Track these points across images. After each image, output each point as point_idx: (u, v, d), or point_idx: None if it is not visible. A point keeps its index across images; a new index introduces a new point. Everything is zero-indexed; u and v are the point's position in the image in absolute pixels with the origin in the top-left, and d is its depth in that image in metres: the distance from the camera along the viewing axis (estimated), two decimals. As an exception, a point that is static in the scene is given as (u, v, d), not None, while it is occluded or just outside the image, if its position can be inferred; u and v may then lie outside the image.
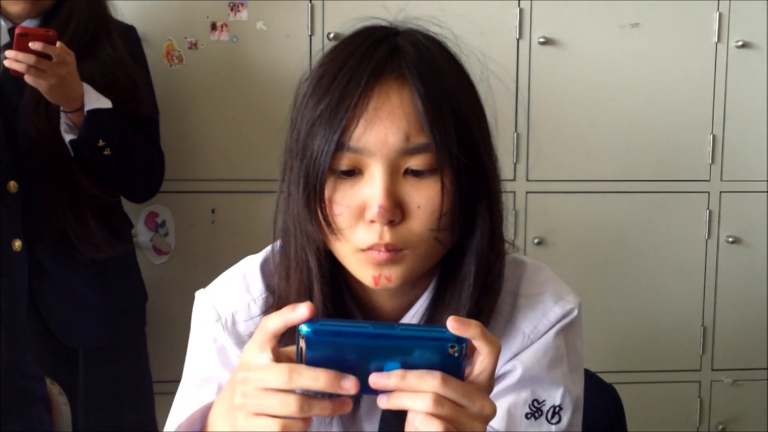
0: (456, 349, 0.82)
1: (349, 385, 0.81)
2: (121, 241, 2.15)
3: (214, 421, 0.95)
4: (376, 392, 0.83)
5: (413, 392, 0.81)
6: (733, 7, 2.64)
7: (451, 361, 0.82)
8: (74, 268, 2.04)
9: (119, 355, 2.17)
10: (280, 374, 0.82)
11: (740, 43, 2.64)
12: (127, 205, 2.28)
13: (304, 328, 0.82)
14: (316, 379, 0.81)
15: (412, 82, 0.97)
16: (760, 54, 2.65)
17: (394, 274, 0.99)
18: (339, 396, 0.83)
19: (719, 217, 2.71)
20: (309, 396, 0.83)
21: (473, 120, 1.03)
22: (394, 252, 0.98)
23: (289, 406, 0.82)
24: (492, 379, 0.86)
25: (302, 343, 0.82)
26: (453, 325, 0.82)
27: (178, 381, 1.17)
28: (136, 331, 2.25)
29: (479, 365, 0.85)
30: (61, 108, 1.93)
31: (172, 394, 1.18)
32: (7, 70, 1.84)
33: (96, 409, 2.09)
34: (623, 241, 2.70)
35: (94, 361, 2.10)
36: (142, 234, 2.52)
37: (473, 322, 0.83)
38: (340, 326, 0.83)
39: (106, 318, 2.11)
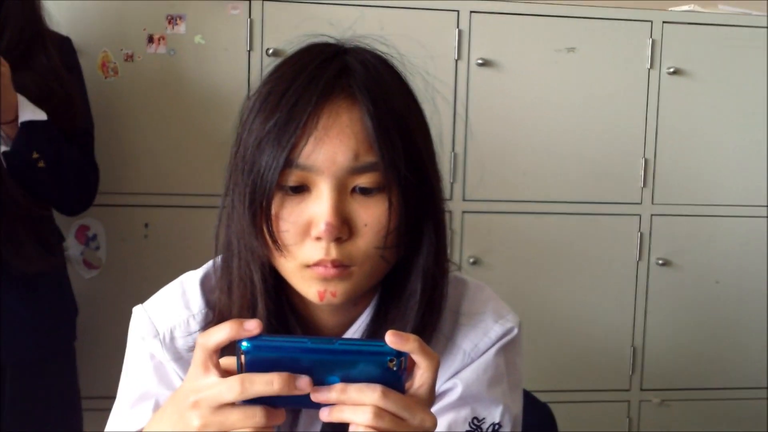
0: (395, 362, 0.82)
1: (304, 383, 0.81)
2: (52, 255, 2.10)
3: None
4: (318, 406, 0.83)
5: (354, 405, 0.81)
6: (665, 34, 2.70)
7: (391, 374, 0.83)
8: (3, 280, 1.98)
9: (47, 371, 2.11)
10: (233, 386, 0.81)
11: (672, 70, 2.70)
12: (58, 218, 2.23)
13: (244, 344, 0.81)
14: (270, 383, 0.80)
15: (361, 101, 0.97)
16: (691, 80, 2.72)
17: (339, 290, 0.99)
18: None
19: (650, 239, 2.76)
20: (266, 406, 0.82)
21: (420, 139, 1.03)
22: (342, 268, 0.98)
23: (255, 416, 0.81)
24: (432, 392, 0.86)
25: (242, 359, 0.81)
26: (391, 339, 0.82)
27: (107, 397, 1.15)
28: (65, 346, 2.19)
29: (419, 379, 0.85)
30: None
31: (101, 410, 1.16)
32: None
33: (22, 425, 2.03)
34: (557, 261, 2.73)
35: (21, 376, 2.04)
36: (72, 247, 2.46)
37: (411, 336, 0.83)
38: (280, 341, 0.83)
39: (34, 332, 2.05)
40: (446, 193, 2.55)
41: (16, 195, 1.96)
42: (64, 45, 2.16)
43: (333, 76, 0.99)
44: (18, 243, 1.96)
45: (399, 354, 0.82)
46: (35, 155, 1.91)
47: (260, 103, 1.00)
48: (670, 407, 2.83)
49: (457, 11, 2.60)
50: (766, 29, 2.76)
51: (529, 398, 1.59)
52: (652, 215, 2.75)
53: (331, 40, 1.07)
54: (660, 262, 2.76)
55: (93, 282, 2.51)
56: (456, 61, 2.60)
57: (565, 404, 2.71)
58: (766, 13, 2.81)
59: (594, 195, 2.71)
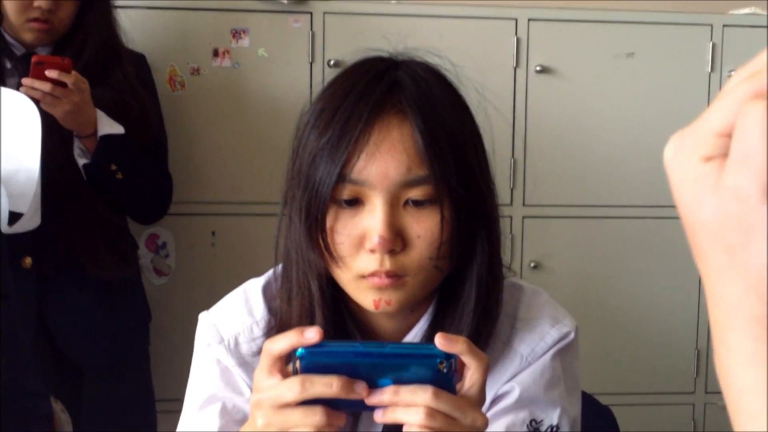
0: (445, 364, 0.85)
1: (361, 388, 0.85)
2: (127, 262, 2.19)
3: None
4: (372, 409, 0.87)
5: (407, 407, 0.85)
6: (726, 37, 2.68)
7: (442, 376, 0.86)
8: (82, 286, 2.07)
9: (123, 374, 2.20)
10: (293, 386, 0.85)
11: (733, 73, 2.67)
12: (129, 227, 2.32)
13: (298, 350, 0.85)
14: (330, 385, 0.84)
15: (411, 117, 1.00)
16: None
17: (393, 299, 1.02)
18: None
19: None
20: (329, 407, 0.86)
21: (471, 151, 1.06)
22: (396, 278, 1.00)
23: (315, 416, 0.85)
24: (482, 393, 0.89)
25: (297, 365, 0.85)
26: (440, 341, 0.85)
27: (178, 400, 1.19)
28: (140, 349, 2.29)
29: (469, 380, 0.88)
30: (75, 133, 1.97)
31: (173, 412, 1.20)
32: None
33: (99, 427, 2.12)
34: (618, 265, 2.73)
35: (99, 378, 2.13)
36: (142, 255, 2.54)
37: (460, 338, 0.87)
38: (333, 346, 0.87)
39: (111, 336, 2.14)
40: (506, 199, 2.59)
41: (95, 205, 2.05)
42: (139, 61, 2.25)
43: (384, 92, 1.01)
44: (96, 251, 2.05)
45: (449, 356, 0.85)
46: (113, 167, 2.00)
47: (314, 118, 1.04)
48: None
49: (515, 19, 2.62)
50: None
51: (590, 401, 1.60)
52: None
53: (384, 54, 1.10)
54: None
55: (163, 288, 2.59)
56: (515, 68, 2.62)
57: (629, 407, 2.71)
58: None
59: (654, 199, 2.71)
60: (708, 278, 0.50)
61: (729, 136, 0.48)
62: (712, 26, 2.68)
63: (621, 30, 2.66)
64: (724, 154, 0.48)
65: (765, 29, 2.70)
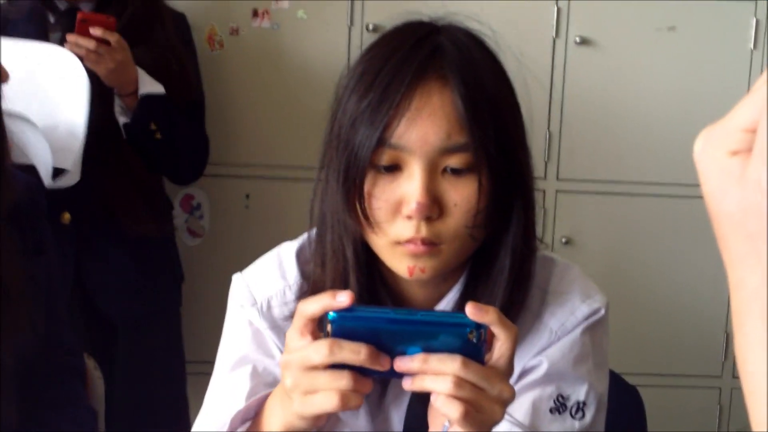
0: (474, 334, 0.86)
1: (385, 361, 0.86)
2: (163, 220, 2.22)
3: (270, 410, 1.00)
4: (400, 376, 0.87)
5: (435, 375, 0.85)
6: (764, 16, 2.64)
7: (471, 346, 0.86)
8: (118, 243, 2.10)
9: (156, 332, 2.24)
10: (321, 349, 0.86)
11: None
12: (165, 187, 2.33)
13: (330, 314, 0.86)
14: (358, 352, 0.85)
15: (453, 83, 1.00)
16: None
17: (428, 266, 1.02)
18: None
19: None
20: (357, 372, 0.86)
21: (511, 119, 1.06)
22: (431, 245, 1.00)
23: (342, 380, 0.86)
24: (511, 364, 0.89)
25: (329, 328, 0.86)
26: (471, 311, 0.86)
27: (209, 361, 1.20)
28: (172, 309, 2.32)
29: (498, 350, 0.88)
30: (116, 91, 1.98)
31: (204, 374, 1.21)
32: None
33: (131, 383, 2.15)
34: (650, 243, 2.71)
35: (131, 336, 2.16)
36: (177, 216, 2.55)
37: (491, 308, 0.87)
38: (365, 312, 0.88)
39: (145, 293, 2.18)
40: (540, 173, 2.57)
41: (133, 163, 2.07)
42: (179, 21, 2.26)
43: (425, 57, 1.01)
44: (132, 207, 2.08)
45: (479, 326, 0.86)
46: (153, 127, 2.02)
47: (354, 82, 1.03)
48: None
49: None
50: None
51: (617, 380, 1.59)
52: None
53: (425, 19, 1.09)
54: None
55: (196, 250, 2.61)
56: (554, 39, 2.59)
57: (656, 388, 2.69)
58: None
59: (692, 177, 2.65)
60: (730, 266, 0.53)
61: (755, 131, 0.51)
62: (756, 2, 2.63)
63: (663, 3, 2.62)
64: (750, 149, 0.51)
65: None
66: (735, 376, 2.77)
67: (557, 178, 2.64)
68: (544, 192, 2.62)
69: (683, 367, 2.77)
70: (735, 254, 0.52)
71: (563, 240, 2.65)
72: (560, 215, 2.65)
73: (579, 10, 2.59)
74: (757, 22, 2.63)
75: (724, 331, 2.76)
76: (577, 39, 2.59)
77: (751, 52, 2.65)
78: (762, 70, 2.64)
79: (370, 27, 2.53)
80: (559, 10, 2.59)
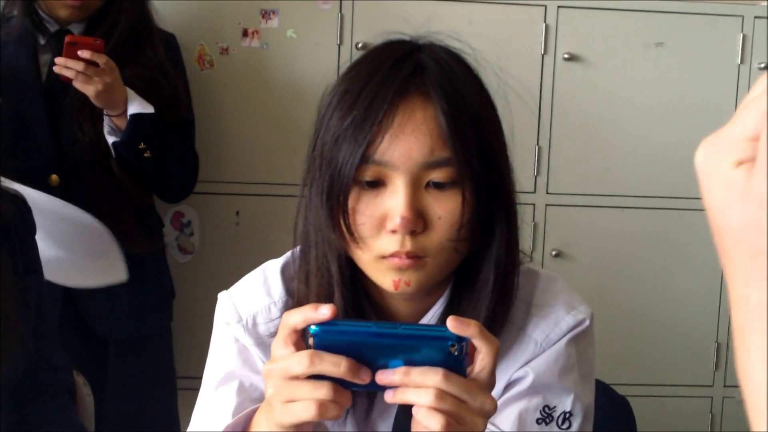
0: (456, 347, 0.86)
1: (366, 375, 0.87)
2: (154, 239, 2.23)
3: (257, 420, 1.00)
4: (383, 389, 0.88)
5: (417, 388, 0.86)
6: (757, 29, 2.66)
7: (453, 359, 0.87)
8: None
9: (147, 349, 2.24)
10: (302, 360, 0.86)
11: (763, 65, 2.66)
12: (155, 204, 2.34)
13: (312, 327, 0.87)
14: (338, 364, 0.86)
15: (435, 99, 1.01)
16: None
17: (413, 280, 1.03)
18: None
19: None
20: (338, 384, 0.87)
21: (492, 134, 1.07)
22: (416, 259, 1.01)
23: (322, 390, 0.86)
24: (493, 377, 0.90)
25: (311, 342, 0.87)
26: (452, 324, 0.86)
27: (199, 378, 1.21)
28: (163, 326, 2.32)
29: (479, 363, 0.89)
30: (105, 111, 2.00)
31: (194, 390, 1.21)
32: (53, 72, 1.93)
33: (122, 400, 2.15)
34: (640, 255, 2.72)
35: (123, 352, 2.17)
36: (167, 233, 2.56)
37: (472, 321, 0.87)
38: (347, 326, 0.89)
39: (136, 311, 2.18)
40: (530, 187, 2.59)
41: (124, 182, 2.08)
42: (169, 41, 2.27)
43: (408, 74, 1.02)
44: (123, 226, 2.08)
45: (460, 339, 0.86)
46: (142, 146, 2.03)
47: (337, 100, 1.05)
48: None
49: (545, 6, 2.61)
50: None
51: (607, 391, 1.60)
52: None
53: (406, 38, 1.11)
54: (746, 258, 2.72)
55: (187, 267, 2.61)
56: (543, 55, 2.62)
57: (647, 398, 2.71)
58: None
59: (680, 190, 2.69)
60: (732, 281, 0.52)
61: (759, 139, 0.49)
62: (743, 17, 2.66)
63: (651, 19, 2.65)
64: (755, 158, 0.49)
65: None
66: (726, 386, 2.78)
67: (547, 191, 2.65)
68: (534, 206, 2.63)
69: (674, 377, 2.78)
70: (738, 270, 0.51)
71: (553, 253, 2.66)
72: (550, 229, 2.67)
73: (567, 27, 2.62)
74: (744, 37, 2.66)
75: (715, 341, 2.77)
76: (566, 55, 2.62)
77: (738, 66, 2.67)
78: (749, 84, 2.66)
79: (359, 45, 2.55)
80: (547, 27, 2.61)
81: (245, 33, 2.56)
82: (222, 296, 1.21)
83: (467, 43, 1.12)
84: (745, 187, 0.50)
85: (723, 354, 2.78)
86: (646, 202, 2.70)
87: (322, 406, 0.86)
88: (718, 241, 0.53)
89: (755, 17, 2.66)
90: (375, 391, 0.90)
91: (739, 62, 2.67)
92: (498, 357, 0.90)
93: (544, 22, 2.61)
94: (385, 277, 1.04)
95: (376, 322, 0.89)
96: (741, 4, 2.70)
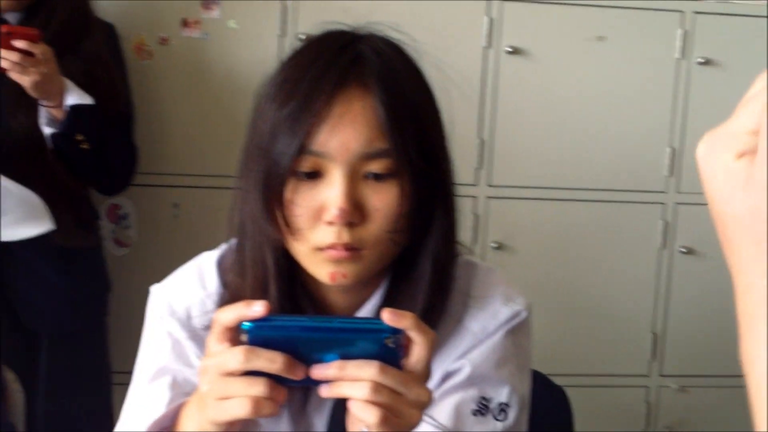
0: (392, 340, 0.86)
1: (301, 370, 0.86)
2: (88, 231, 2.19)
3: (186, 416, 0.99)
4: (318, 384, 0.88)
5: (352, 381, 0.86)
6: (697, 24, 2.70)
7: (388, 351, 0.87)
8: (43, 254, 2.07)
9: (81, 343, 2.21)
10: (237, 355, 0.85)
11: (702, 60, 2.69)
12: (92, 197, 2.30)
13: (246, 323, 0.86)
14: (273, 360, 0.85)
15: (374, 90, 1.00)
16: (722, 71, 2.71)
17: (350, 272, 1.02)
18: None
19: (674, 227, 2.77)
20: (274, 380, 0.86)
21: (432, 126, 1.07)
22: (353, 251, 1.01)
23: (257, 386, 0.86)
24: (428, 369, 0.90)
25: (244, 338, 0.86)
26: (387, 316, 0.86)
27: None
28: (98, 320, 2.28)
29: (415, 355, 0.89)
30: (42, 102, 1.96)
31: (129, 384, 1.19)
32: None
33: (54, 397, 2.12)
34: (580, 247, 2.75)
35: (56, 347, 2.13)
36: (103, 226, 2.51)
37: (407, 313, 0.87)
38: (281, 320, 0.88)
39: (70, 304, 2.15)
40: (472, 179, 2.59)
41: (60, 174, 2.05)
42: (108, 31, 2.24)
43: (347, 64, 1.02)
44: (58, 218, 2.04)
45: (395, 331, 0.86)
46: (79, 137, 2.00)
47: (275, 90, 1.04)
48: (689, 394, 2.84)
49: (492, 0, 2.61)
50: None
51: (544, 381, 1.61)
52: (676, 203, 2.75)
53: (346, 28, 1.10)
54: (683, 250, 2.77)
55: (124, 260, 2.57)
56: (486, 48, 2.62)
57: (585, 388, 2.73)
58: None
59: (620, 183, 2.72)
60: (737, 270, 0.54)
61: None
62: (683, 12, 2.69)
63: (593, 13, 2.67)
64: (756, 150, 0.52)
65: (736, 17, 2.71)
66: (662, 375, 2.82)
67: (489, 184, 2.66)
68: (476, 198, 2.64)
69: (612, 367, 2.81)
70: (743, 258, 0.53)
71: (495, 245, 2.67)
72: (492, 221, 2.68)
73: (510, 20, 2.63)
74: (684, 32, 2.69)
75: (651, 332, 2.81)
76: (509, 49, 2.63)
77: (678, 61, 2.70)
78: (688, 79, 2.70)
79: (301, 37, 2.53)
80: (490, 20, 2.61)
81: (185, 23, 2.53)
82: (155, 289, 1.19)
83: (409, 34, 1.12)
84: (747, 177, 0.52)
85: (660, 344, 2.82)
86: (587, 195, 2.72)
87: (257, 403, 0.86)
88: (722, 231, 0.54)
89: (695, 12, 2.69)
90: (311, 385, 0.89)
91: (678, 57, 2.70)
92: (434, 349, 0.91)
93: (488, 15, 2.61)
94: (322, 269, 1.03)
95: (312, 316, 0.89)
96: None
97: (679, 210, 2.76)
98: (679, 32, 2.69)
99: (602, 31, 2.67)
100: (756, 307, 0.52)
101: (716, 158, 0.54)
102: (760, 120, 0.52)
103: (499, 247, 2.68)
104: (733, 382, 2.85)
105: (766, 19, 2.70)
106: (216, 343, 0.89)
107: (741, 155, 0.52)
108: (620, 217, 2.75)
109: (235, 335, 0.89)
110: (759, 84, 0.54)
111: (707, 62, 2.70)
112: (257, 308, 0.86)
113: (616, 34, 2.68)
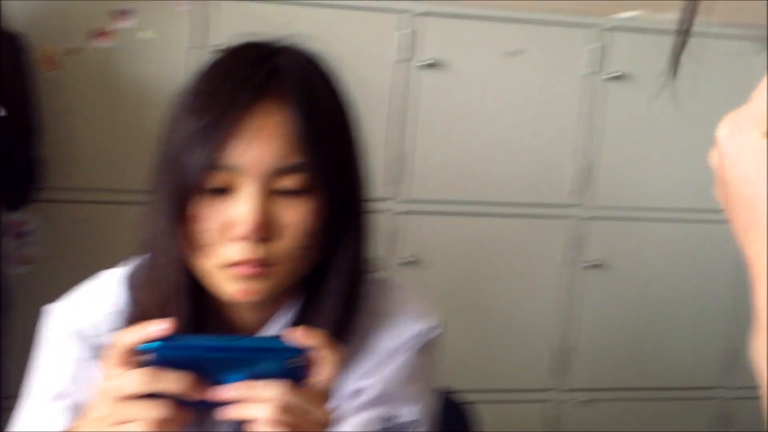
0: (297, 359, 0.86)
1: (205, 391, 0.85)
2: None
3: None
4: (223, 404, 0.87)
5: (257, 401, 0.85)
6: (610, 40, 2.74)
7: (294, 370, 0.87)
8: None
9: None
10: (136, 379, 0.84)
11: (615, 75, 2.74)
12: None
13: (149, 344, 0.85)
14: (176, 381, 0.84)
15: (290, 104, 0.99)
16: (633, 86, 2.76)
17: (260, 288, 1.01)
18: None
19: (583, 241, 2.81)
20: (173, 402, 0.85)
21: (348, 141, 1.07)
22: (264, 267, 1.00)
23: (157, 409, 0.84)
24: (334, 387, 0.90)
25: (148, 358, 0.85)
26: (293, 335, 0.86)
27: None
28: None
29: (322, 374, 0.89)
30: None
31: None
32: None
33: None
34: (492, 262, 2.77)
35: None
36: (5, 243, 2.44)
37: (314, 332, 0.88)
38: (184, 340, 0.87)
39: None
40: (386, 193, 2.59)
41: None
42: (15, 41, 2.17)
43: (263, 77, 1.00)
44: None
45: (301, 350, 0.86)
46: None
47: (189, 102, 1.02)
48: (596, 407, 2.88)
49: (406, 12, 2.61)
50: (706, 37, 2.80)
51: (451, 398, 1.62)
52: (586, 218, 2.80)
53: (264, 40, 1.09)
54: (592, 264, 2.81)
55: (27, 278, 2.48)
56: (400, 62, 2.63)
57: (493, 404, 2.74)
58: (710, 21, 2.86)
59: (531, 197, 2.76)
60: (758, 256, 0.51)
61: None
62: (597, 28, 2.74)
63: (510, 27, 2.69)
64: None
65: (647, 33, 2.76)
66: (570, 389, 2.85)
67: (403, 199, 2.67)
68: (389, 213, 2.64)
69: (521, 382, 2.84)
70: None
71: (407, 260, 2.67)
72: (405, 236, 2.68)
73: (427, 34, 2.64)
74: (597, 47, 2.72)
75: (558, 345, 2.84)
76: (425, 62, 2.63)
77: (592, 75, 2.74)
78: (601, 93, 2.74)
79: (217, 48, 2.49)
80: (407, 34, 2.62)
81: (96, 33, 2.47)
82: (53, 309, 1.15)
83: (327, 48, 1.11)
84: None
85: (568, 358, 2.85)
86: (499, 209, 2.74)
87: (157, 425, 0.84)
88: (745, 215, 0.52)
89: (608, 28, 2.74)
90: (215, 406, 0.87)
91: (592, 71, 2.74)
92: (342, 367, 0.91)
93: (404, 28, 2.62)
94: (231, 285, 1.01)
95: (217, 335, 0.88)
96: (596, 15, 2.77)
97: (589, 224, 2.80)
98: (593, 47, 2.74)
99: (518, 45, 2.70)
100: None
101: (742, 137, 0.52)
102: None
103: (412, 262, 2.68)
104: (638, 395, 2.91)
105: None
106: (114, 366, 0.87)
107: (765, 135, 0.51)
108: (531, 231, 2.78)
109: (134, 357, 0.87)
110: None
111: (618, 77, 2.75)
112: (160, 328, 0.85)
113: (532, 49, 2.71)
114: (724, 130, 0.54)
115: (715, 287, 2.91)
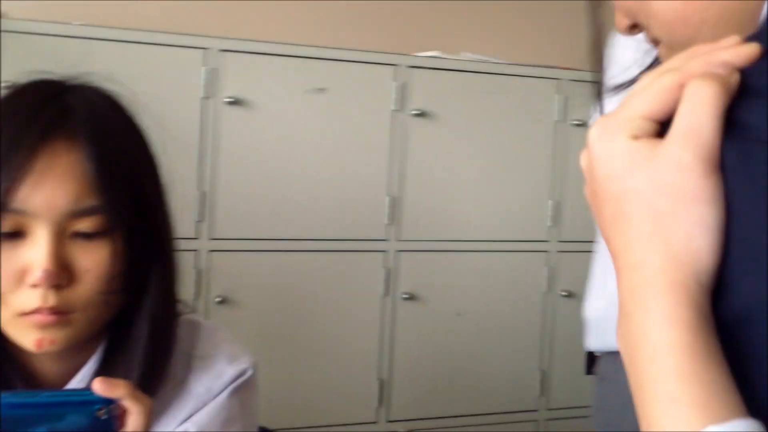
0: (104, 410, 0.84)
1: None
2: None
3: None
4: None
5: None
6: (411, 78, 2.81)
7: (101, 423, 0.84)
8: None
9: None
10: None
11: (417, 112, 2.80)
12: None
13: None
14: None
15: (83, 144, 0.96)
16: (435, 122, 2.84)
17: (58, 337, 0.96)
18: None
19: (396, 274, 2.84)
20: None
21: (147, 181, 1.04)
22: (61, 315, 0.95)
23: None
24: None
25: None
26: (99, 386, 0.84)
27: None
28: None
29: (131, 424, 0.86)
30: None
31: None
32: None
33: None
34: (306, 298, 2.76)
35: None
36: None
37: (120, 382, 0.85)
38: None
39: None
40: (192, 232, 2.53)
41: None
42: None
43: (52, 117, 0.97)
44: None
45: (108, 401, 0.83)
46: None
47: None
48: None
49: (207, 49, 2.58)
50: (504, 75, 2.92)
51: (271, 437, 1.59)
52: (397, 251, 2.83)
53: (55, 78, 1.05)
54: (405, 296, 2.85)
55: None
56: (205, 99, 2.58)
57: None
58: (505, 61, 3.00)
59: (342, 232, 2.77)
60: (625, 247, 0.56)
61: (652, 119, 0.56)
62: (398, 66, 2.80)
63: (313, 65, 2.71)
64: (649, 135, 0.55)
65: (446, 72, 2.86)
66: (389, 420, 2.87)
67: (210, 237, 2.61)
68: (197, 252, 2.58)
69: (340, 416, 2.81)
70: (636, 234, 0.54)
71: (218, 300, 2.62)
72: (214, 275, 2.62)
73: (230, 71, 2.61)
74: (399, 84, 2.79)
75: (377, 378, 2.85)
76: (229, 99, 2.60)
77: (394, 112, 2.79)
78: (404, 130, 2.80)
79: (4, 86, 2.37)
80: (209, 71, 2.58)
81: None
82: None
83: (124, 85, 1.07)
84: (652, 153, 0.54)
85: (386, 390, 2.86)
86: (312, 245, 2.74)
87: None
88: (613, 209, 0.56)
89: (410, 66, 2.80)
90: None
91: (394, 108, 2.79)
92: (153, 415, 0.88)
93: (209, 64, 2.58)
94: (27, 335, 0.96)
95: (16, 391, 0.82)
96: (397, 54, 2.85)
97: (400, 257, 2.84)
98: (395, 85, 2.79)
99: (323, 82, 2.72)
100: (649, 281, 0.54)
101: (612, 138, 0.56)
102: (653, 109, 0.55)
103: (223, 301, 2.63)
104: (458, 422, 2.96)
105: (475, 74, 2.87)
106: None
107: (634, 138, 0.55)
108: (345, 266, 2.79)
109: None
110: (649, 77, 0.58)
111: (422, 114, 2.82)
112: None
113: (336, 86, 2.74)
114: (594, 134, 0.59)
115: (525, 313, 3.02)
